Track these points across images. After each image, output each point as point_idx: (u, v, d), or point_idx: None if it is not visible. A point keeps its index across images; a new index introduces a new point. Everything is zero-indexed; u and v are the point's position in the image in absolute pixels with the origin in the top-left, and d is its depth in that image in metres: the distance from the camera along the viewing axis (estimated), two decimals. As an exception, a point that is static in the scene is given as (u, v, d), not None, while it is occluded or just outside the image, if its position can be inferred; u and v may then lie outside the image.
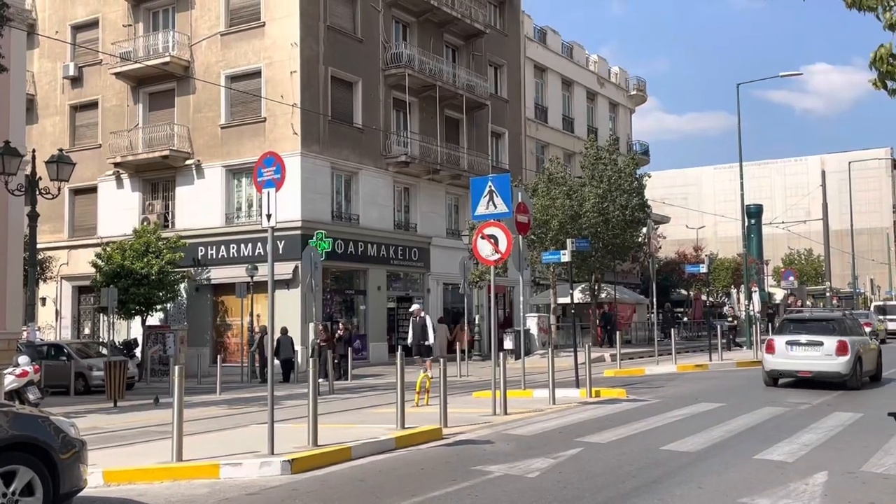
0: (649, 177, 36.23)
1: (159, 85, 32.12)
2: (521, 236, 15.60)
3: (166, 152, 30.94)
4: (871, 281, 78.31)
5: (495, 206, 14.35)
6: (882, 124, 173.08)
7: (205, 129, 31.02)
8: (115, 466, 9.20)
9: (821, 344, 17.31)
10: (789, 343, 17.73)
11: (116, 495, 8.34)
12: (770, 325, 33.57)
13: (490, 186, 14.47)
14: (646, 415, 13.45)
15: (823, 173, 68.88)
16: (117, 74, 32.18)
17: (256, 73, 30.06)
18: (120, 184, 32.88)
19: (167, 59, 30.83)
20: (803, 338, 17.69)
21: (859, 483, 8.33)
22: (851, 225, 64.91)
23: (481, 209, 14.53)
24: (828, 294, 59.70)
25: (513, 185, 16.33)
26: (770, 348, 18.06)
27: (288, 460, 9.16)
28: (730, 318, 34.47)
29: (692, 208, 66.72)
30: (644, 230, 35.96)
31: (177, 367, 9.64)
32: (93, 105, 33.97)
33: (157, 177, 32.42)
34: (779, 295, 47.88)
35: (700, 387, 18.24)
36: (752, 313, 33.48)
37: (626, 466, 9.18)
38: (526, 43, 42.79)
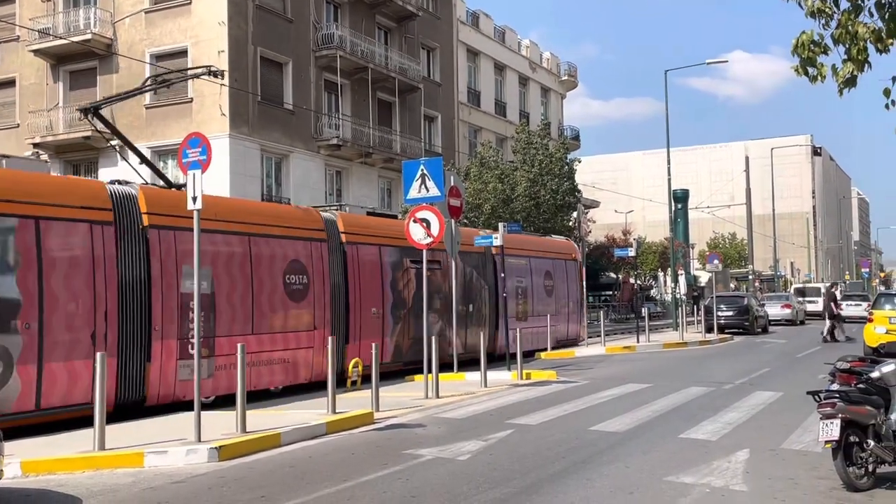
0: (580, 161, 36.60)
1: (80, 63, 31.01)
2: (453, 220, 15.60)
3: (88, 133, 29.81)
4: (792, 264, 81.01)
5: (427, 190, 14.32)
6: (803, 112, 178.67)
7: (129, 109, 30.03)
8: (34, 457, 8.89)
9: (860, 305, 39.41)
10: (848, 305, 38.50)
11: (36, 486, 8.07)
12: (695, 307, 34.38)
13: (422, 170, 14.42)
14: (575, 396, 13.65)
15: (747, 159, 70.79)
16: (35, 52, 30.93)
17: (183, 53, 29.26)
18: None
19: (88, 36, 29.77)
20: (854, 302, 40.84)
21: (780, 460, 8.60)
22: (773, 210, 67.03)
23: (413, 193, 14.47)
24: (750, 277, 61.54)
25: (445, 169, 16.31)
26: (839, 307, 35.72)
27: (215, 447, 9.00)
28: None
29: (621, 193, 67.76)
30: (574, 214, 36.43)
31: (98, 355, 9.36)
32: (9, 83, 32.58)
33: (80, 158, 31.37)
34: (704, 278, 49.07)
35: (628, 368, 18.61)
36: (678, 296, 34.27)
37: (556, 447, 9.30)
38: (458, 26, 42.70)
